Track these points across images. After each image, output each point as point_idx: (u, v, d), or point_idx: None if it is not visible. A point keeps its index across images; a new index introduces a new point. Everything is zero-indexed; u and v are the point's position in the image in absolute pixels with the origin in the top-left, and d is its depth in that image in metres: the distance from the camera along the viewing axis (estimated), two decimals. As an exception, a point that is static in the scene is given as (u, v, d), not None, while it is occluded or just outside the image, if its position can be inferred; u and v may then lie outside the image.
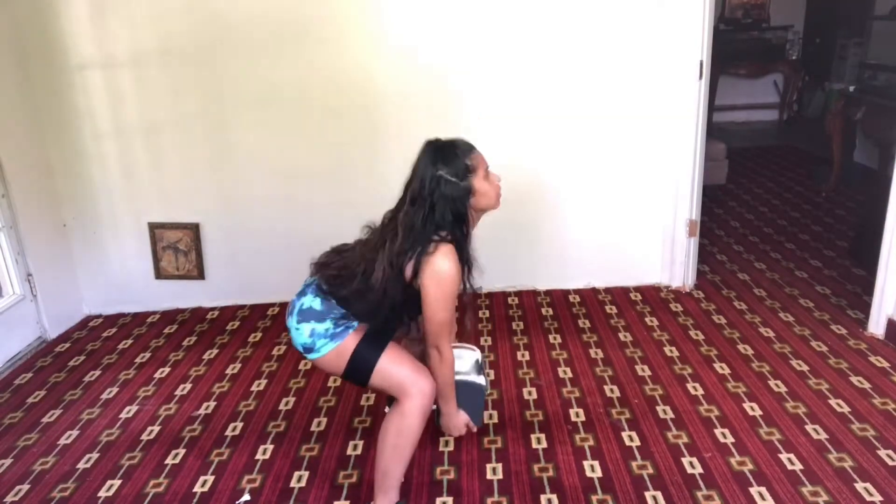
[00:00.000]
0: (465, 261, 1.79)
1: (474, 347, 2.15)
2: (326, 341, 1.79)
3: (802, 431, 2.20)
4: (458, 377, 1.95)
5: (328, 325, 1.80)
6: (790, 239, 3.95)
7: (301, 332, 1.82)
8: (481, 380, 2.07)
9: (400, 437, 1.80)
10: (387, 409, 1.92)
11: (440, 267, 1.71)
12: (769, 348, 2.74)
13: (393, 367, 1.80)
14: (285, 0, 2.99)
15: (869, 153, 4.97)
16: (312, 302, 1.82)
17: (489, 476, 2.08)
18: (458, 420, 1.97)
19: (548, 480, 2.04)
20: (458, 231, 1.77)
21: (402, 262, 1.73)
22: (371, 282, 1.75)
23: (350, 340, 1.80)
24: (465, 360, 2.08)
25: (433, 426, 2.33)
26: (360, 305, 1.79)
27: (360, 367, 1.80)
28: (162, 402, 2.60)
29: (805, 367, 2.58)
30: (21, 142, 3.05)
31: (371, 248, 1.81)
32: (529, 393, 2.52)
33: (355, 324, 1.82)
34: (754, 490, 1.95)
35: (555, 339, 2.92)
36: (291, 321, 1.85)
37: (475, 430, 2.06)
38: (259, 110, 3.14)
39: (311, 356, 1.83)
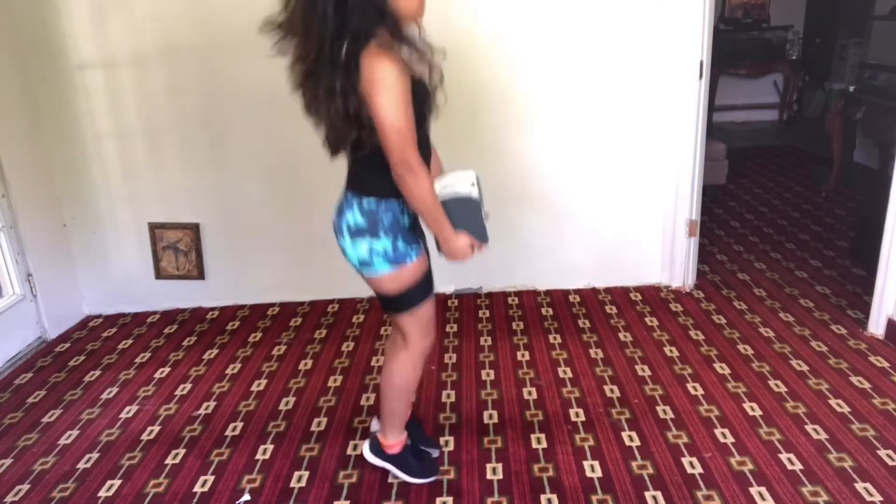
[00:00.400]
0: (404, 44, 1.60)
1: (468, 169, 1.87)
2: (384, 262, 1.75)
3: (802, 431, 2.20)
4: (446, 192, 1.77)
5: (386, 243, 1.74)
6: (790, 239, 3.95)
7: (358, 249, 1.75)
8: (474, 192, 1.81)
9: (402, 380, 1.94)
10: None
11: (370, 69, 1.51)
12: (769, 348, 2.74)
13: (418, 318, 1.85)
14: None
15: (869, 153, 4.97)
16: (356, 217, 1.74)
17: (489, 476, 2.08)
18: (459, 242, 1.77)
19: (548, 480, 2.04)
20: (382, 28, 1.56)
21: (347, 99, 1.55)
22: (353, 138, 1.63)
23: (407, 272, 1.78)
24: (460, 183, 1.82)
25: (435, 428, 2.33)
26: (374, 175, 1.69)
27: (406, 300, 1.82)
28: (162, 402, 2.60)
29: (805, 367, 2.58)
30: (21, 142, 3.06)
31: (322, 106, 1.64)
32: (529, 393, 2.52)
33: (413, 253, 1.78)
34: (754, 490, 1.95)
35: (555, 339, 2.92)
36: (344, 241, 1.77)
37: (482, 248, 1.84)
38: (259, 110, 3.14)
39: (366, 271, 1.79)
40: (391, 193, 1.71)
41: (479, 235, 1.84)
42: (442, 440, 2.25)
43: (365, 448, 2.13)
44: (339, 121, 1.62)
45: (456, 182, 1.81)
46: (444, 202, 1.75)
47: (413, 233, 1.81)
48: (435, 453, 2.17)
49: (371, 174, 1.72)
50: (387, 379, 1.97)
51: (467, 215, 1.81)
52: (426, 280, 1.85)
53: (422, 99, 1.66)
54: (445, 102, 1.77)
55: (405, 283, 1.79)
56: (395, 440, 2.04)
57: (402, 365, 1.93)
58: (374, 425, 2.22)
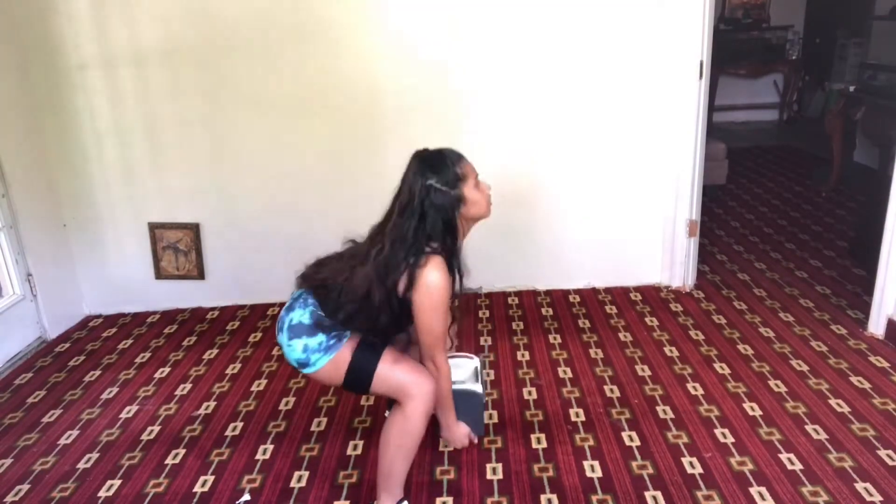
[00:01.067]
0: (456, 271, 1.78)
1: (472, 356, 2.14)
2: (321, 355, 1.77)
3: (802, 431, 2.20)
4: (455, 387, 1.94)
5: (321, 338, 1.77)
6: (790, 239, 3.95)
7: (294, 349, 1.79)
8: (478, 387, 2.05)
9: (403, 438, 1.81)
10: (387, 413, 1.92)
11: (431, 279, 1.71)
12: (769, 348, 2.74)
13: (393, 370, 1.79)
14: (286, 1, 2.99)
15: (869, 153, 4.97)
16: (301, 317, 1.80)
17: (489, 476, 2.08)
18: (459, 431, 1.99)
19: (548, 480, 2.04)
20: (449, 241, 1.77)
21: (395, 276, 1.71)
22: (359, 295, 1.73)
23: (345, 351, 1.78)
24: (464, 370, 2.06)
25: (433, 426, 2.33)
26: (351, 319, 1.77)
27: (359, 376, 1.79)
28: (162, 402, 2.60)
29: (805, 367, 2.58)
30: (21, 142, 3.05)
31: (358, 262, 1.78)
32: (529, 393, 2.52)
33: (348, 333, 1.80)
34: (754, 490, 1.95)
35: (555, 339, 2.92)
36: (282, 338, 1.82)
37: (476, 440, 2.07)
38: (259, 110, 3.14)
39: (306, 370, 1.80)
40: (354, 332, 1.80)
41: (476, 428, 2.05)
42: (442, 440, 2.25)
43: None
44: (372, 282, 1.73)
45: (461, 366, 2.05)
46: (453, 392, 1.92)
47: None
48: None
49: (350, 321, 1.78)
50: (384, 438, 1.85)
51: (469, 408, 2.01)
52: (367, 344, 1.81)
53: (452, 302, 1.82)
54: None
55: (348, 361, 1.77)
56: None
57: (396, 421, 1.82)
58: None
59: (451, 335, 1.99)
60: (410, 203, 1.73)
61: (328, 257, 1.93)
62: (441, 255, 1.74)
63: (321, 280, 1.84)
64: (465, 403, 1.99)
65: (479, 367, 2.09)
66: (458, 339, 2.25)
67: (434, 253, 1.73)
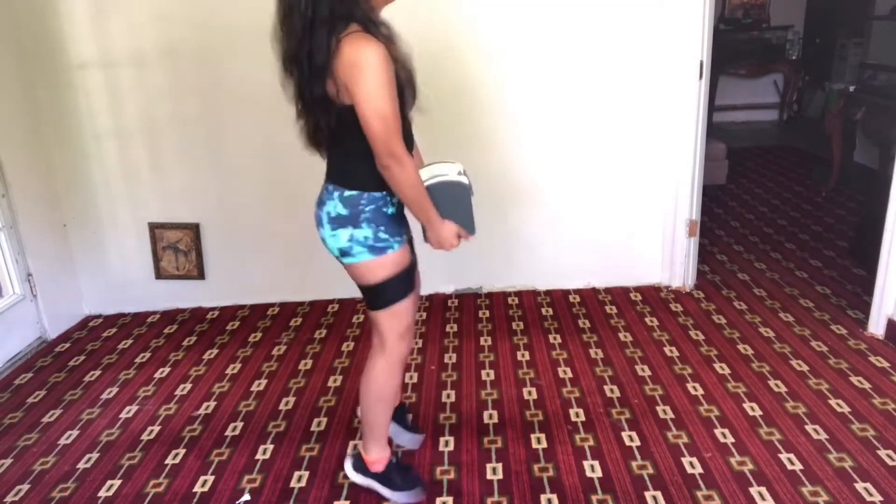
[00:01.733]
0: (381, 36, 1.57)
1: (454, 162, 1.81)
2: (364, 251, 1.71)
3: (802, 431, 2.20)
4: (434, 180, 1.71)
5: (367, 232, 1.70)
6: (790, 239, 3.95)
7: (338, 238, 1.73)
8: (464, 179, 1.75)
9: (379, 387, 1.87)
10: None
11: (352, 53, 1.48)
12: (769, 348, 2.74)
13: (404, 315, 1.80)
14: (285, 0, 2.99)
15: (869, 153, 4.97)
16: (336, 207, 1.72)
17: (489, 476, 2.08)
18: (445, 230, 1.73)
19: (548, 480, 2.04)
20: (359, 13, 1.54)
21: (320, 83, 1.54)
22: (330, 129, 1.62)
23: (390, 264, 1.73)
24: (447, 168, 1.76)
25: (434, 428, 2.33)
26: (353, 164, 1.68)
27: (383, 295, 1.77)
28: (162, 402, 2.60)
29: (805, 367, 2.58)
30: (21, 142, 3.05)
31: (302, 102, 1.67)
32: (529, 393, 2.52)
33: (396, 244, 1.74)
34: (754, 490, 1.95)
35: (555, 339, 2.92)
36: (325, 230, 1.75)
37: (470, 238, 1.80)
38: (259, 110, 3.14)
39: (346, 260, 1.76)
40: (374, 186, 1.68)
41: (467, 224, 1.78)
42: (442, 440, 2.25)
43: (347, 466, 2.06)
44: (316, 107, 1.62)
45: (442, 171, 1.76)
46: (431, 187, 1.69)
47: (396, 224, 1.76)
48: (417, 441, 2.17)
49: (353, 166, 1.70)
50: (364, 387, 1.89)
51: (455, 202, 1.75)
52: (407, 275, 1.80)
53: (402, 87, 1.61)
54: (425, 97, 1.74)
55: (385, 274, 1.74)
56: (377, 456, 1.97)
57: (379, 370, 1.86)
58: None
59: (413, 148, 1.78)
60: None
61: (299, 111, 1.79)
62: (356, 29, 1.53)
63: (307, 137, 1.76)
64: (449, 197, 1.72)
65: (461, 168, 1.78)
66: (419, 154, 1.95)
67: (346, 34, 1.52)
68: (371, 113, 1.51)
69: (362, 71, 1.49)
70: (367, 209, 1.71)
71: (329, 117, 1.62)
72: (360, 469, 2.02)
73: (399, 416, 2.16)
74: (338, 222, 1.73)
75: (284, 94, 1.75)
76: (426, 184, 1.69)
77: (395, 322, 1.80)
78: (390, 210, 1.74)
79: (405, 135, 1.65)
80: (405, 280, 1.79)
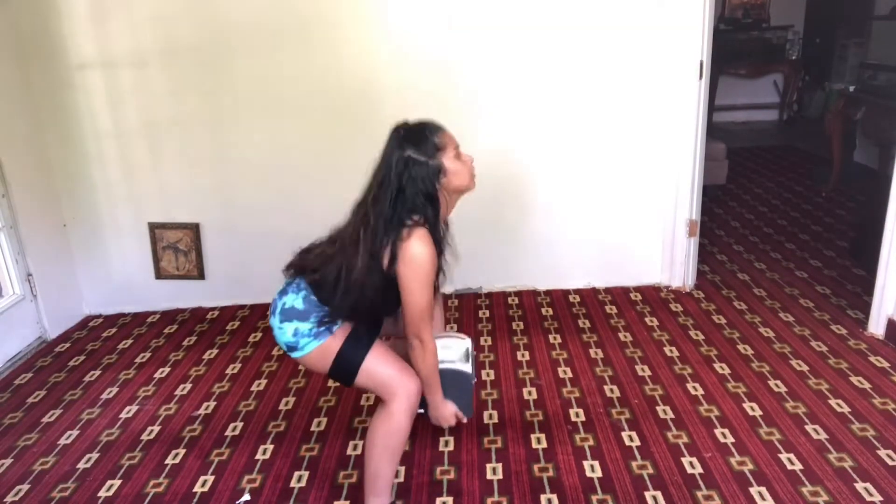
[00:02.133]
0: (438, 243, 1.74)
1: (464, 336, 2.07)
2: (310, 340, 1.76)
3: (802, 431, 2.20)
4: (443, 365, 1.88)
5: (312, 323, 1.77)
6: (790, 239, 3.95)
7: (284, 331, 1.79)
8: (468, 367, 1.97)
9: (389, 438, 1.79)
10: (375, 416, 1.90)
11: (415, 251, 1.67)
12: (769, 348, 2.74)
13: (379, 366, 1.78)
14: (286, 1, 2.99)
15: (869, 153, 4.97)
16: (294, 301, 1.79)
17: (489, 476, 2.08)
18: (445, 410, 1.89)
19: (548, 480, 2.04)
20: (431, 213, 1.72)
21: (379, 250, 1.69)
22: (349, 275, 1.71)
23: (335, 339, 1.77)
24: (454, 350, 1.99)
25: (435, 428, 2.33)
26: (342, 301, 1.74)
27: (345, 367, 1.78)
28: (162, 402, 2.60)
29: (805, 367, 2.58)
30: (21, 142, 3.06)
31: (344, 242, 1.76)
32: (529, 393, 2.52)
33: (339, 322, 1.79)
34: (754, 490, 1.95)
35: (555, 339, 2.92)
36: (274, 320, 1.82)
37: (465, 420, 1.97)
38: (259, 110, 3.14)
39: (294, 354, 1.80)
40: (340, 317, 1.78)
41: (465, 409, 1.95)
42: (442, 440, 2.25)
43: None
44: (359, 275, 1.71)
45: (452, 347, 1.98)
46: (440, 371, 1.84)
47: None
48: None
49: (344, 304, 1.75)
50: (369, 439, 1.83)
51: (459, 388, 1.93)
52: (357, 336, 1.80)
53: (436, 276, 1.78)
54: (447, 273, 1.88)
55: (336, 349, 1.76)
56: None
57: (380, 421, 1.81)
58: None
59: (436, 307, 1.95)
60: (388, 176, 1.70)
61: (315, 243, 1.91)
62: (424, 227, 1.70)
63: (310, 265, 1.82)
64: (454, 384, 1.92)
65: (469, 349, 2.02)
66: (441, 312, 2.18)
67: (417, 225, 1.69)
68: (412, 303, 1.71)
69: (416, 270, 1.68)
70: (322, 316, 1.77)
71: (360, 271, 1.71)
72: None
73: None
74: (287, 315, 1.78)
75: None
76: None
77: (375, 379, 1.79)
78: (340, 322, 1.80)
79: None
80: (357, 338, 1.80)
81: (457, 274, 3.35)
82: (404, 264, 1.68)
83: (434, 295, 1.77)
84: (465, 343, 2.04)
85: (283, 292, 1.84)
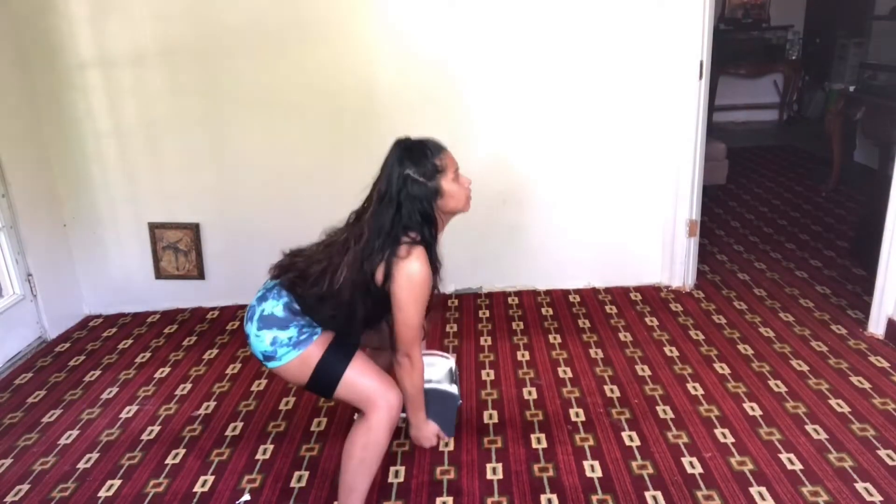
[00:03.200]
0: (434, 263, 1.73)
1: (448, 355, 2.07)
2: (289, 349, 1.72)
3: (802, 431, 2.20)
4: (428, 385, 1.88)
5: (292, 332, 1.72)
6: (790, 239, 3.95)
7: (262, 340, 1.74)
8: (454, 388, 1.98)
9: (366, 451, 1.75)
10: (356, 416, 1.86)
11: (413, 270, 1.66)
12: (769, 348, 2.74)
13: (360, 378, 1.74)
14: (285, 1, 2.99)
15: (869, 153, 4.97)
16: (274, 308, 1.74)
17: (489, 476, 2.08)
18: (427, 430, 1.87)
19: (548, 480, 2.04)
20: (427, 232, 1.72)
21: (373, 265, 1.68)
22: (336, 284, 1.69)
23: (315, 349, 1.73)
24: (438, 368, 1.99)
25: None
26: (326, 310, 1.73)
27: (325, 378, 1.74)
28: (162, 402, 2.60)
29: (805, 367, 2.58)
30: (21, 142, 3.05)
31: (336, 251, 1.75)
32: (529, 393, 2.52)
33: (319, 331, 1.75)
34: (754, 490, 1.95)
35: (555, 339, 2.92)
36: (251, 327, 1.77)
37: (446, 440, 1.97)
38: (259, 110, 3.14)
39: (270, 364, 1.75)
40: (324, 326, 1.76)
41: (447, 428, 1.94)
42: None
43: None
44: (352, 272, 1.70)
45: (436, 364, 1.98)
46: (426, 391, 1.85)
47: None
48: None
49: (329, 312, 1.74)
50: (346, 451, 1.79)
51: (442, 407, 1.93)
52: (337, 347, 1.77)
53: (431, 295, 1.77)
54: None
55: (316, 359, 1.72)
56: None
57: (359, 434, 1.76)
58: None
59: (424, 325, 1.93)
60: (388, 192, 1.69)
61: (304, 247, 1.88)
62: (422, 245, 1.69)
63: (298, 270, 1.79)
64: (438, 403, 1.91)
65: (453, 368, 2.02)
66: (428, 326, 2.18)
67: (414, 244, 1.68)
68: (404, 321, 1.70)
69: (410, 289, 1.67)
70: (303, 326, 1.75)
71: (346, 282, 1.69)
72: None
73: None
74: (266, 322, 1.74)
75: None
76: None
77: (355, 391, 1.75)
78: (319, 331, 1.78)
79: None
80: (337, 348, 1.76)
81: (457, 274, 3.38)
82: (402, 282, 1.66)
83: (426, 314, 1.77)
84: (449, 363, 2.02)
85: (262, 298, 1.80)
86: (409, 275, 1.66)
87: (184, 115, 3.14)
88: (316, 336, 1.75)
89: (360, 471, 1.77)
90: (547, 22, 3.02)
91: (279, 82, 3.11)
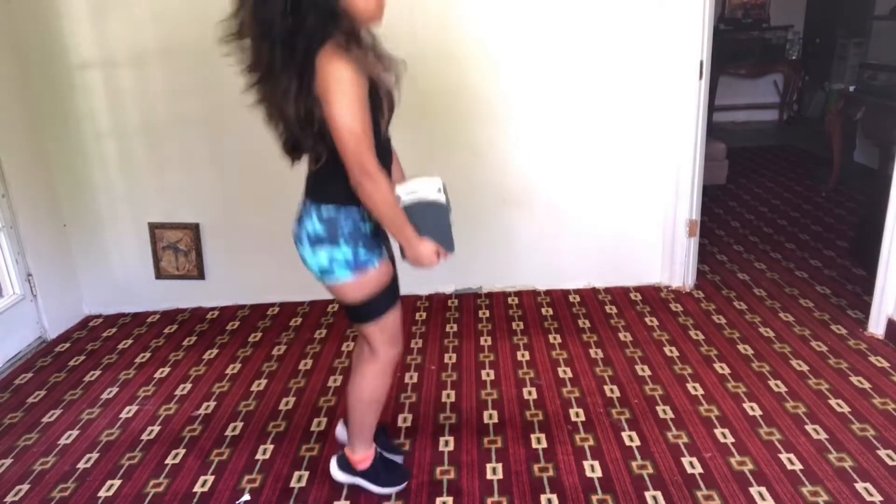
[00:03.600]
0: (360, 46, 1.54)
1: (433, 176, 1.78)
2: (346, 270, 1.71)
3: (802, 431, 2.20)
4: (411, 197, 1.69)
5: (347, 251, 1.69)
6: (790, 239, 3.95)
7: (318, 258, 1.72)
8: (441, 197, 1.73)
9: (370, 393, 1.89)
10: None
11: (324, 70, 1.47)
12: (769, 348, 2.74)
13: (384, 327, 1.81)
14: (285, 0, 2.99)
15: (869, 153, 4.97)
16: (315, 227, 1.72)
17: (489, 476, 2.08)
18: (423, 248, 1.70)
19: (548, 480, 2.04)
20: (336, 31, 1.51)
21: (303, 102, 1.53)
22: (303, 137, 1.61)
23: (370, 279, 1.73)
24: (426, 187, 1.74)
25: (434, 428, 2.33)
26: (332, 174, 1.63)
27: (365, 312, 1.78)
28: (162, 402, 2.60)
29: (805, 367, 2.58)
30: (21, 142, 3.05)
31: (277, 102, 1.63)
32: (529, 393, 2.52)
33: (376, 261, 1.73)
34: (754, 490, 1.95)
35: (555, 339, 2.92)
36: (304, 249, 1.75)
37: (448, 256, 1.78)
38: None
39: (327, 279, 1.74)
40: (350, 200, 1.64)
41: (445, 243, 1.76)
42: (442, 440, 2.26)
43: (333, 466, 2.05)
44: (296, 127, 1.61)
45: (420, 188, 1.74)
46: (408, 207, 1.68)
47: (375, 239, 1.75)
48: (399, 460, 2.14)
49: (329, 181, 1.69)
50: (355, 392, 1.91)
51: (433, 221, 1.73)
52: (391, 288, 1.80)
53: (379, 101, 1.61)
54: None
55: (368, 291, 1.74)
56: (364, 454, 1.99)
57: (371, 377, 1.88)
58: (340, 431, 2.19)
59: (392, 162, 1.80)
60: (270, 21, 1.49)
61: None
62: (335, 42, 1.50)
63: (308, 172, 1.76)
64: (427, 217, 1.71)
65: (441, 185, 1.76)
66: (399, 169, 1.95)
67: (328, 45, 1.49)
68: (342, 129, 1.51)
69: (333, 88, 1.48)
70: (344, 228, 1.69)
71: (308, 132, 1.59)
72: (346, 468, 2.03)
73: (379, 437, 2.11)
74: (317, 242, 1.73)
75: (249, 98, 1.74)
76: (402, 203, 1.67)
77: (383, 332, 1.82)
78: (368, 228, 1.73)
79: (382, 150, 1.64)
80: (388, 293, 1.80)
81: (457, 274, 3.38)
82: (318, 80, 1.49)
83: (378, 130, 1.60)
84: (436, 180, 1.76)
85: (299, 220, 1.80)
86: (322, 78, 1.48)
87: (184, 115, 3.14)
88: (372, 267, 1.72)
89: (368, 410, 1.91)
90: (546, 22, 3.02)
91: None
